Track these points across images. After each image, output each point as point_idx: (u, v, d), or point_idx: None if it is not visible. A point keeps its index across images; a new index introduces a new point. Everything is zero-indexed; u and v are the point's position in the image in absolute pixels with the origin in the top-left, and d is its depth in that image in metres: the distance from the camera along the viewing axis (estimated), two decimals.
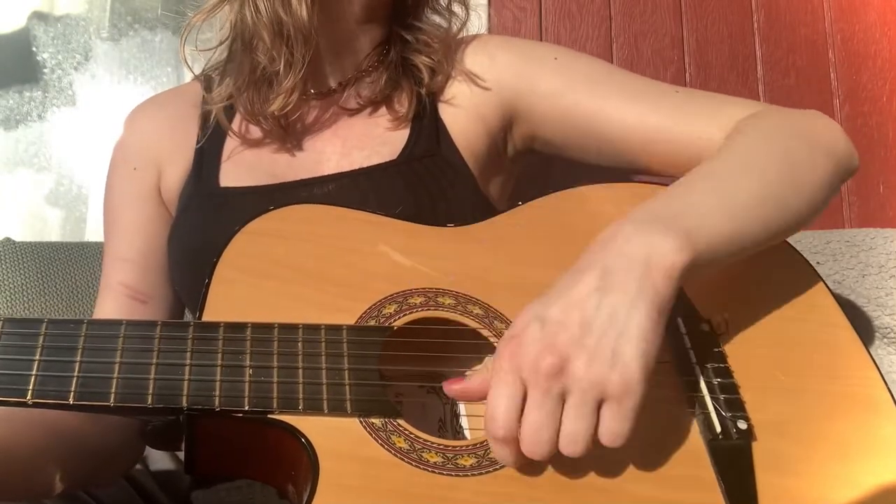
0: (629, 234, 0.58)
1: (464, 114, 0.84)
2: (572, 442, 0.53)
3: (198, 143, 0.85)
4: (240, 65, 0.83)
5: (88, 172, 1.39)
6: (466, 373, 0.66)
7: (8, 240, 1.08)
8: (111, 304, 0.83)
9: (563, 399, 0.53)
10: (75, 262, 1.08)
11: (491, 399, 0.54)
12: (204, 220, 0.80)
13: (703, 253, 0.59)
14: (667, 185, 0.68)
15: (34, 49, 1.44)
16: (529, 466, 0.57)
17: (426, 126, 0.83)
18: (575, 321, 0.53)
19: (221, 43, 0.84)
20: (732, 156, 0.69)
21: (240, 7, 0.80)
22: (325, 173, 0.80)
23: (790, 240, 0.75)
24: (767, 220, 0.65)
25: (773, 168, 0.67)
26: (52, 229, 1.38)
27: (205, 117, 0.87)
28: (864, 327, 0.92)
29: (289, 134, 0.84)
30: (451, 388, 0.58)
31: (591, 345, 0.53)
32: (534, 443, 0.53)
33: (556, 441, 0.53)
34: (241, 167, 0.83)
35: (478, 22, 1.09)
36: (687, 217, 0.60)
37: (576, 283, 0.56)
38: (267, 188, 0.80)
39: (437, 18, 0.89)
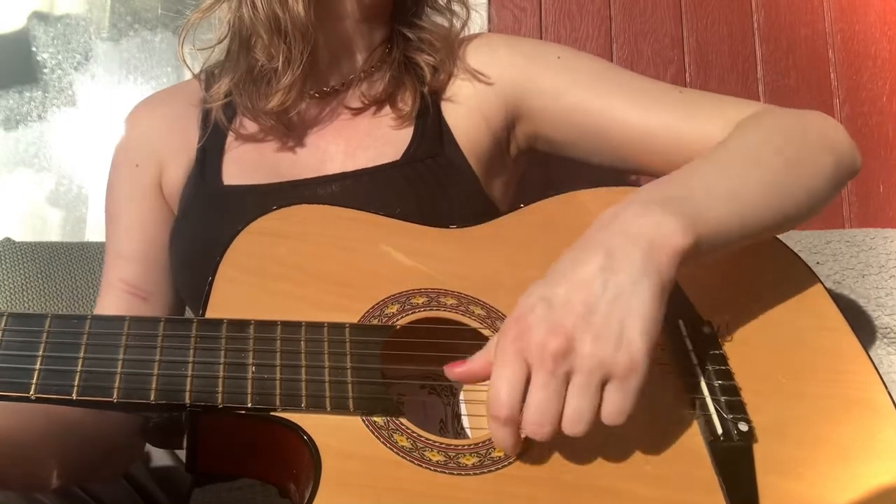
0: (635, 213, 0.58)
1: (466, 113, 0.84)
2: (576, 420, 0.53)
3: (199, 141, 0.85)
4: (238, 62, 0.83)
5: (88, 172, 1.39)
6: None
7: (8, 240, 1.08)
8: (111, 301, 0.83)
9: (567, 380, 0.53)
10: (75, 262, 1.08)
11: (495, 380, 0.54)
12: (207, 219, 0.80)
13: (707, 237, 0.59)
14: None
15: (34, 49, 1.44)
16: (530, 466, 0.57)
17: (429, 126, 0.83)
18: (580, 301, 0.53)
19: (220, 41, 0.84)
20: (736, 147, 0.70)
21: (237, 5, 0.80)
22: (329, 173, 0.80)
23: (790, 241, 0.75)
24: (770, 209, 0.65)
25: (776, 160, 0.68)
26: (52, 229, 1.37)
27: (205, 115, 0.87)
28: (863, 327, 0.93)
29: (291, 131, 0.84)
30: (454, 370, 0.58)
31: (596, 324, 0.53)
32: (537, 423, 0.53)
33: (559, 421, 0.53)
34: (245, 165, 0.83)
35: (479, 21, 1.09)
36: (692, 200, 0.61)
37: (581, 264, 0.56)
38: (270, 187, 0.80)
39: (437, 18, 0.89)
